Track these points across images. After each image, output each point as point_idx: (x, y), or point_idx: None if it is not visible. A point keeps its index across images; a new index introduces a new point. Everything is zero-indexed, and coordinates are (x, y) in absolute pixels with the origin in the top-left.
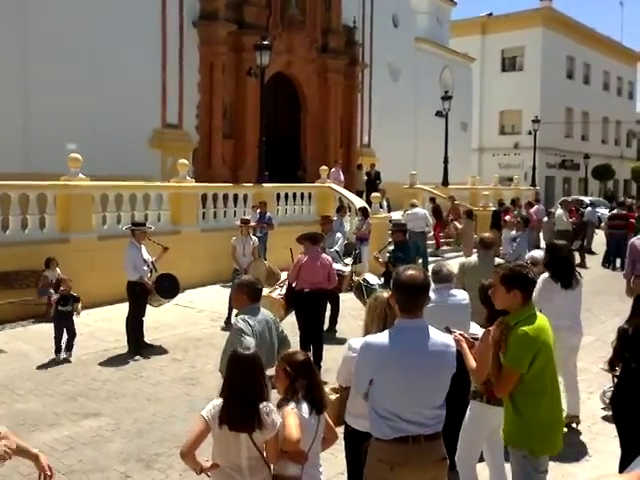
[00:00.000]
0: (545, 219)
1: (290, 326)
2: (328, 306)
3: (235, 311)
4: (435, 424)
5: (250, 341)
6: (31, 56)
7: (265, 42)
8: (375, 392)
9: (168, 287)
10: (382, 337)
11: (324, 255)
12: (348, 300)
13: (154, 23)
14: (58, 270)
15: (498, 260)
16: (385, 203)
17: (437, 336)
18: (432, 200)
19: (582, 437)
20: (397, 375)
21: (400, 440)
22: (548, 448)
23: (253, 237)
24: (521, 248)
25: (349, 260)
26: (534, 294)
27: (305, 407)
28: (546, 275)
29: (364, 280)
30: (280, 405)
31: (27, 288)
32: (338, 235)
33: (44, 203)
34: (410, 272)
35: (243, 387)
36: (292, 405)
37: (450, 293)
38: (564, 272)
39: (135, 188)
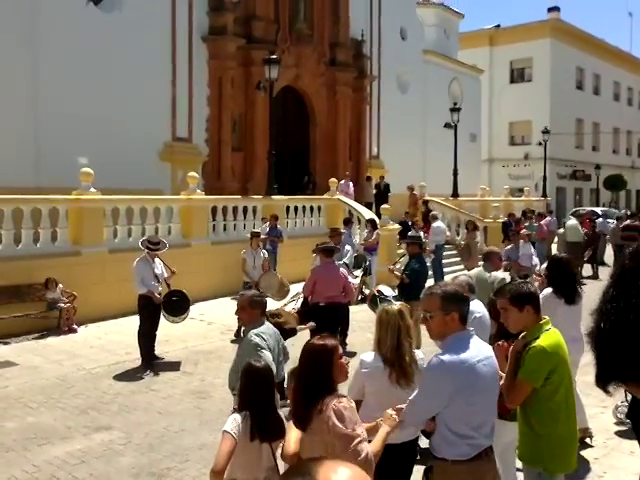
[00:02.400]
0: (561, 230)
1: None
2: None
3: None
4: (493, 433)
5: (268, 355)
6: (42, 71)
7: (274, 56)
8: (455, 412)
9: (177, 303)
10: (453, 354)
11: (340, 269)
12: (357, 313)
13: (164, 38)
14: (61, 286)
15: (495, 274)
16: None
17: (481, 342)
18: (425, 203)
19: (596, 452)
20: (477, 388)
21: (477, 457)
22: (564, 466)
23: (263, 250)
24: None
25: (359, 272)
26: None
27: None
28: (549, 290)
29: (378, 292)
30: (288, 419)
31: (38, 301)
32: (347, 248)
33: (56, 217)
34: (454, 286)
35: (266, 398)
36: None
37: (476, 304)
38: (569, 287)
39: (146, 201)
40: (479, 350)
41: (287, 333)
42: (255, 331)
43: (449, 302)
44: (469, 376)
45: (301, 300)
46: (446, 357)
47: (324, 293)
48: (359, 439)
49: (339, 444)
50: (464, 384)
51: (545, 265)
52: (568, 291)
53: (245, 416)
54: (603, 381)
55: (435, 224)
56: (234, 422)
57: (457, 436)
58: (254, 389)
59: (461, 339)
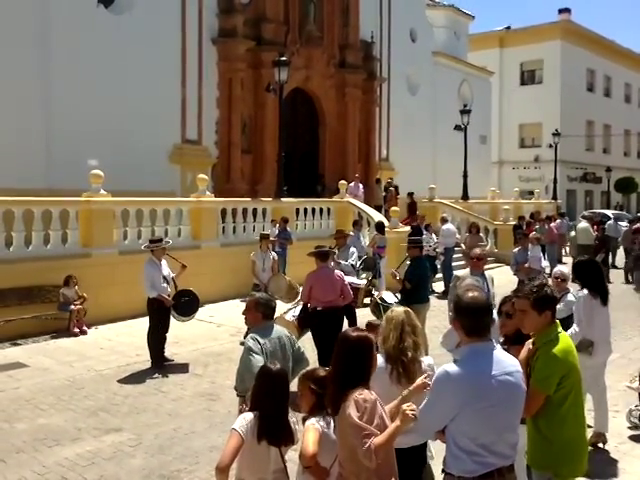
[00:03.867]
0: (572, 233)
1: (309, 342)
2: (346, 322)
3: None
4: (514, 454)
5: (259, 359)
6: (53, 73)
7: (283, 58)
8: (459, 426)
9: (187, 303)
10: (462, 366)
11: (336, 271)
12: (366, 316)
13: (174, 40)
14: (76, 287)
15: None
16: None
17: (506, 357)
18: (410, 195)
19: (608, 457)
20: (486, 404)
21: (486, 476)
22: (573, 470)
23: (272, 252)
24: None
25: (368, 274)
26: (577, 312)
27: (332, 422)
28: (585, 293)
29: (381, 299)
30: (305, 421)
31: (49, 303)
32: (352, 249)
33: (66, 219)
34: (472, 294)
35: (277, 401)
36: (313, 421)
37: None
38: (602, 288)
39: (155, 203)
40: (496, 364)
41: None
42: (252, 334)
43: (457, 309)
44: (477, 390)
45: (300, 307)
46: (452, 368)
47: (321, 298)
48: (367, 432)
49: (350, 432)
50: (470, 398)
51: (560, 268)
52: (602, 292)
53: (255, 416)
54: None
55: (445, 226)
56: (243, 421)
57: (462, 451)
58: (266, 391)
59: (475, 351)
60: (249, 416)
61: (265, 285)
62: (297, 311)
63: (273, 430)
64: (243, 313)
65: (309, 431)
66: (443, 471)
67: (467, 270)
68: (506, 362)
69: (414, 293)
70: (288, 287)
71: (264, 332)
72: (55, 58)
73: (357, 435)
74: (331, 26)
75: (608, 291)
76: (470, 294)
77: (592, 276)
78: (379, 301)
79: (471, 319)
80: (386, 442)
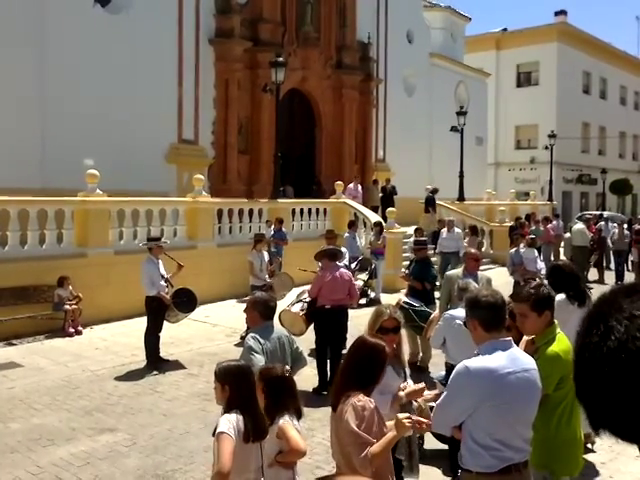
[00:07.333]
0: (568, 235)
1: (303, 343)
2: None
3: None
4: (529, 448)
5: (260, 359)
6: (48, 72)
7: (280, 59)
8: (478, 421)
9: (186, 301)
10: (482, 361)
11: (344, 271)
12: (362, 317)
13: (171, 40)
14: (70, 287)
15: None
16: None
17: (523, 354)
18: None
19: (603, 457)
20: (505, 400)
21: (504, 471)
22: (569, 469)
23: (265, 253)
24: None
25: (364, 275)
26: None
27: (295, 419)
28: (563, 296)
29: (405, 303)
30: (272, 418)
31: (44, 303)
32: (342, 249)
33: (62, 218)
34: (486, 292)
35: (255, 398)
36: (287, 418)
37: (460, 311)
38: (577, 290)
39: (151, 203)
40: (514, 361)
41: None
42: (252, 334)
43: (469, 308)
44: (494, 386)
45: (307, 300)
46: (472, 364)
47: (330, 296)
48: (364, 440)
49: (347, 440)
50: (488, 394)
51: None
52: (577, 293)
53: (238, 417)
54: (595, 428)
55: (444, 229)
56: (229, 423)
57: (480, 447)
58: (250, 391)
59: (494, 348)
60: (232, 417)
61: (268, 284)
62: (302, 304)
63: (259, 427)
64: (244, 311)
65: (291, 429)
66: (460, 468)
67: (459, 270)
68: (523, 359)
69: (428, 295)
70: (292, 283)
71: (264, 332)
72: (51, 57)
73: (354, 443)
74: (328, 27)
75: (584, 292)
76: (485, 292)
77: (563, 280)
78: (405, 305)
79: (489, 312)
80: (382, 451)
